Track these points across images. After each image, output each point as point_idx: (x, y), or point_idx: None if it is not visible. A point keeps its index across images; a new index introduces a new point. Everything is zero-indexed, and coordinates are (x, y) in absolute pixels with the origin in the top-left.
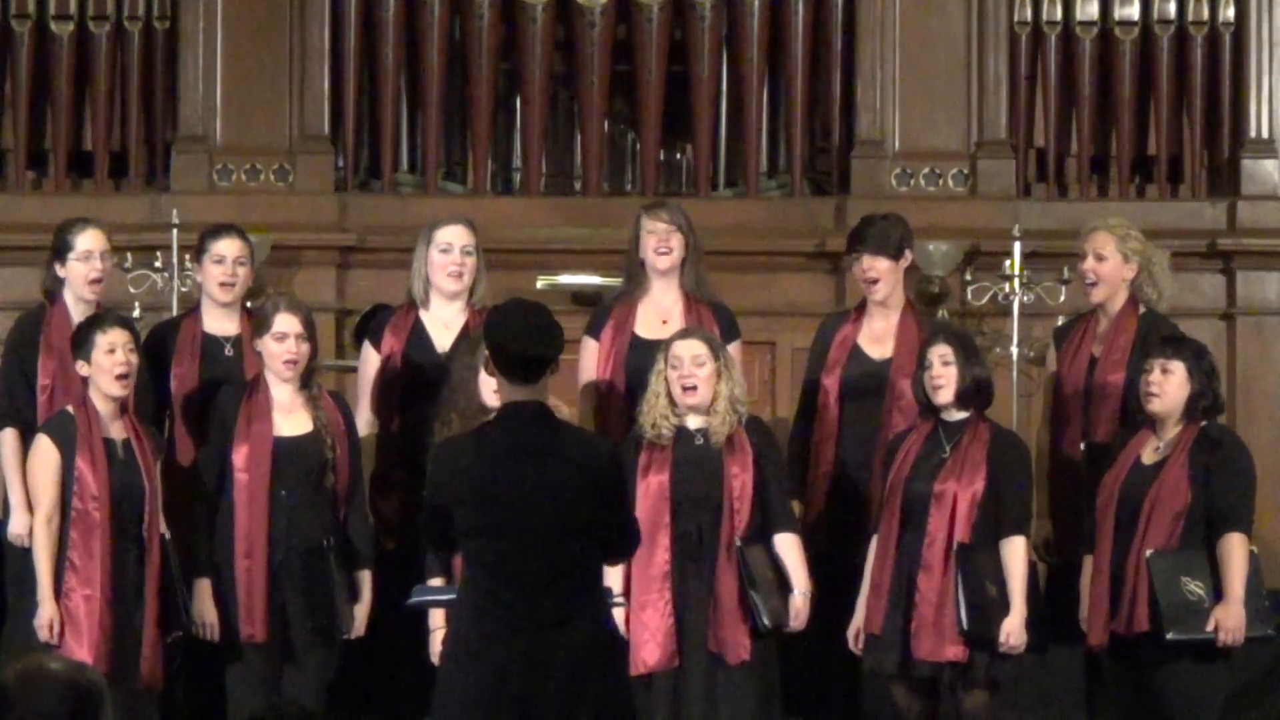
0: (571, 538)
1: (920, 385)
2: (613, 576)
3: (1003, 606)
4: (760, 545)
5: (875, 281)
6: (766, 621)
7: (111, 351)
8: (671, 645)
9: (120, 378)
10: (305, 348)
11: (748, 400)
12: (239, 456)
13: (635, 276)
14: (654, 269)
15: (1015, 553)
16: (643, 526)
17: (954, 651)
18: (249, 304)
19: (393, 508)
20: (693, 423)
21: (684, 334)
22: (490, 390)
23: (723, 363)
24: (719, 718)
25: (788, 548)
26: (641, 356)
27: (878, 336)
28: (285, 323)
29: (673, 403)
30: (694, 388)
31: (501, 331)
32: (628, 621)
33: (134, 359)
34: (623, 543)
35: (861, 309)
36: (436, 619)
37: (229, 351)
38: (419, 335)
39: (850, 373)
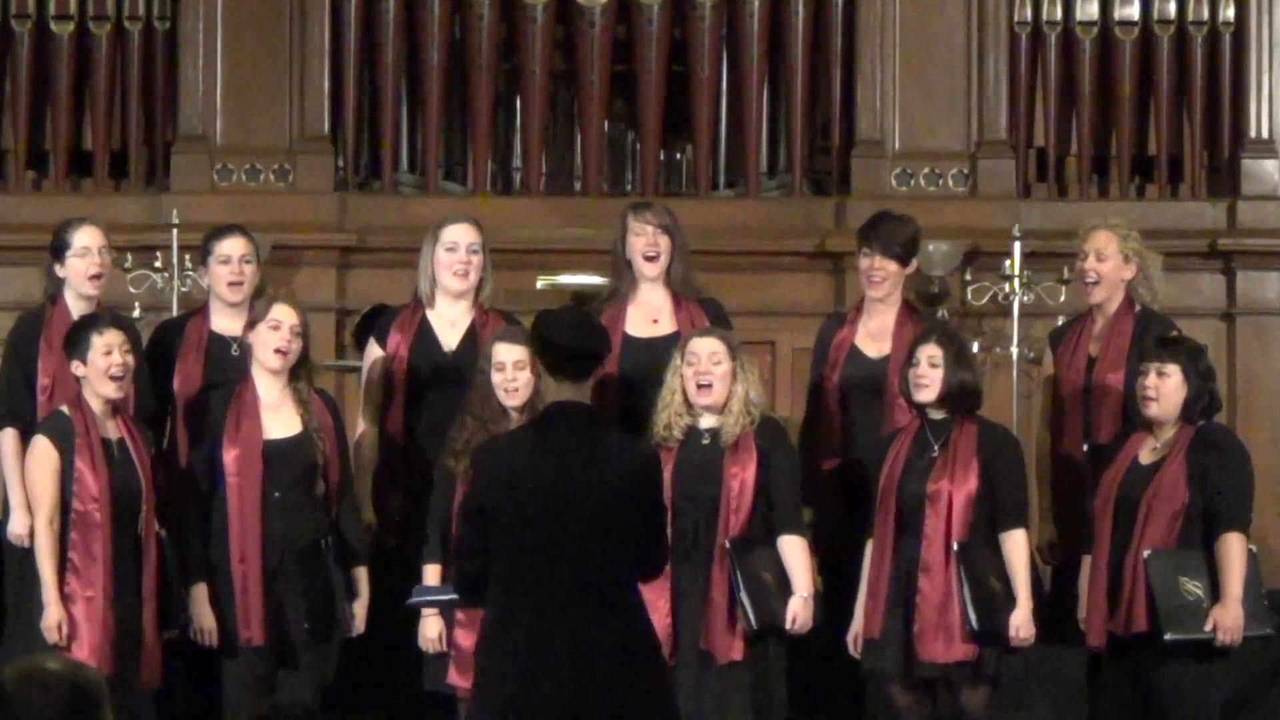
0: (610, 538)
1: (905, 381)
2: None
3: (1008, 601)
4: (764, 547)
5: (881, 281)
6: (754, 624)
7: (108, 353)
8: (669, 645)
9: (115, 379)
10: (298, 343)
11: (763, 402)
12: (229, 459)
13: (622, 275)
14: (642, 273)
15: (1016, 545)
16: None
17: (963, 651)
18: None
19: (395, 505)
20: (705, 422)
21: (703, 332)
22: (504, 393)
23: (740, 363)
24: (706, 717)
25: (791, 550)
26: (633, 355)
27: (874, 335)
28: (281, 312)
29: (688, 402)
30: (709, 385)
31: (550, 327)
32: None
33: (130, 360)
34: (655, 557)
35: (858, 310)
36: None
37: (235, 351)
38: (425, 334)
39: (849, 373)
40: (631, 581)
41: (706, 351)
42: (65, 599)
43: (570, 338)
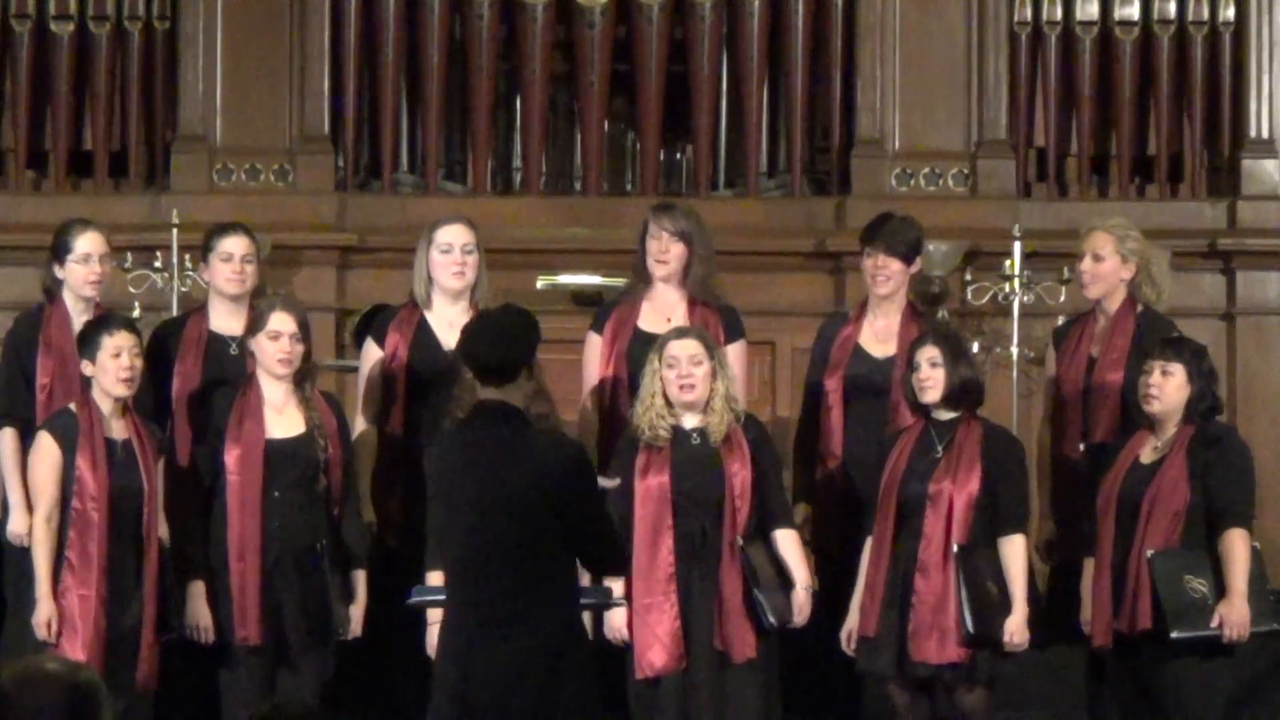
0: (534, 537)
1: (909, 385)
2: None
3: (1004, 606)
4: (760, 543)
5: (886, 279)
6: (772, 620)
7: (117, 355)
8: (679, 648)
9: (124, 381)
10: (299, 348)
11: (744, 399)
12: (231, 458)
13: (641, 273)
14: (654, 274)
15: (1015, 551)
16: (644, 528)
17: (956, 653)
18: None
19: (395, 506)
20: (689, 422)
21: (679, 333)
22: None
23: (717, 361)
24: (728, 717)
25: (787, 544)
26: (645, 352)
27: (879, 335)
28: (280, 321)
29: (668, 402)
30: (691, 386)
31: (469, 338)
32: (630, 624)
33: (139, 363)
34: (603, 554)
35: (861, 310)
36: (433, 613)
37: (234, 350)
38: (424, 334)
39: (853, 372)
40: (566, 583)
41: (686, 354)
42: (59, 596)
43: (486, 354)
